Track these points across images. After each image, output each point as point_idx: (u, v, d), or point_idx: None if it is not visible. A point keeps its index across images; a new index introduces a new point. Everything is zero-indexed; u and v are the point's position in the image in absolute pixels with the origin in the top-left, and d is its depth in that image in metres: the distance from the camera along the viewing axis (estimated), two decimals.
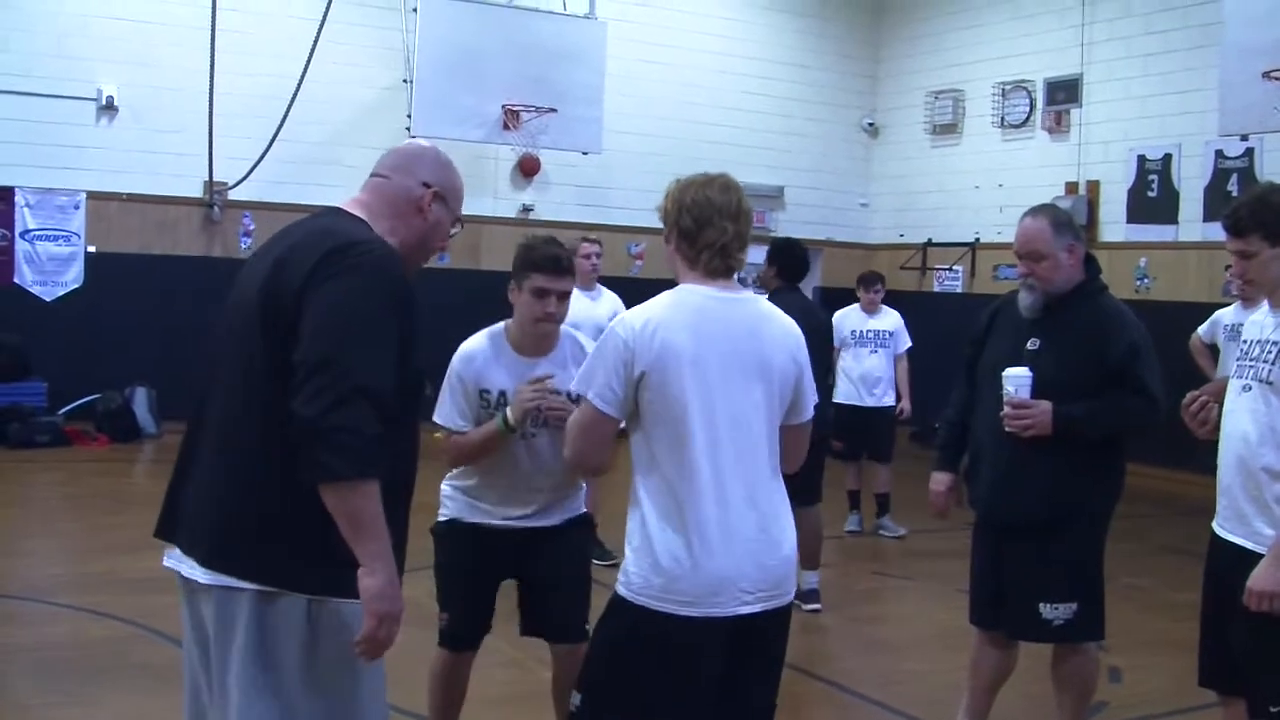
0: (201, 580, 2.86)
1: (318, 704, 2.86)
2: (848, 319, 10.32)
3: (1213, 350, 9.81)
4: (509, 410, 4.36)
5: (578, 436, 3.54)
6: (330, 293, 2.79)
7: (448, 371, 4.53)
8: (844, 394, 10.10)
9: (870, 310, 10.36)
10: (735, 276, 3.61)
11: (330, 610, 2.87)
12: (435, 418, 4.45)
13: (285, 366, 2.78)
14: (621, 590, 3.49)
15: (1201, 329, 10.00)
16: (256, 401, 2.86)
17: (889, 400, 10.26)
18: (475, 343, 4.57)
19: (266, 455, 2.82)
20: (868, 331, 10.28)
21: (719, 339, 3.48)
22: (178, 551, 2.97)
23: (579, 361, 4.25)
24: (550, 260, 4.41)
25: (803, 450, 3.76)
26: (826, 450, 7.92)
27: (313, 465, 2.70)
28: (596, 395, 3.45)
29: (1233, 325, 9.19)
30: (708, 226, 3.52)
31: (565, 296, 4.46)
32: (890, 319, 10.39)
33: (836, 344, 10.07)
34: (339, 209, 3.11)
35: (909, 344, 10.43)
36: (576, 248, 8.41)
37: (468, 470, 4.58)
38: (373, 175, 3.18)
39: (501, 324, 4.58)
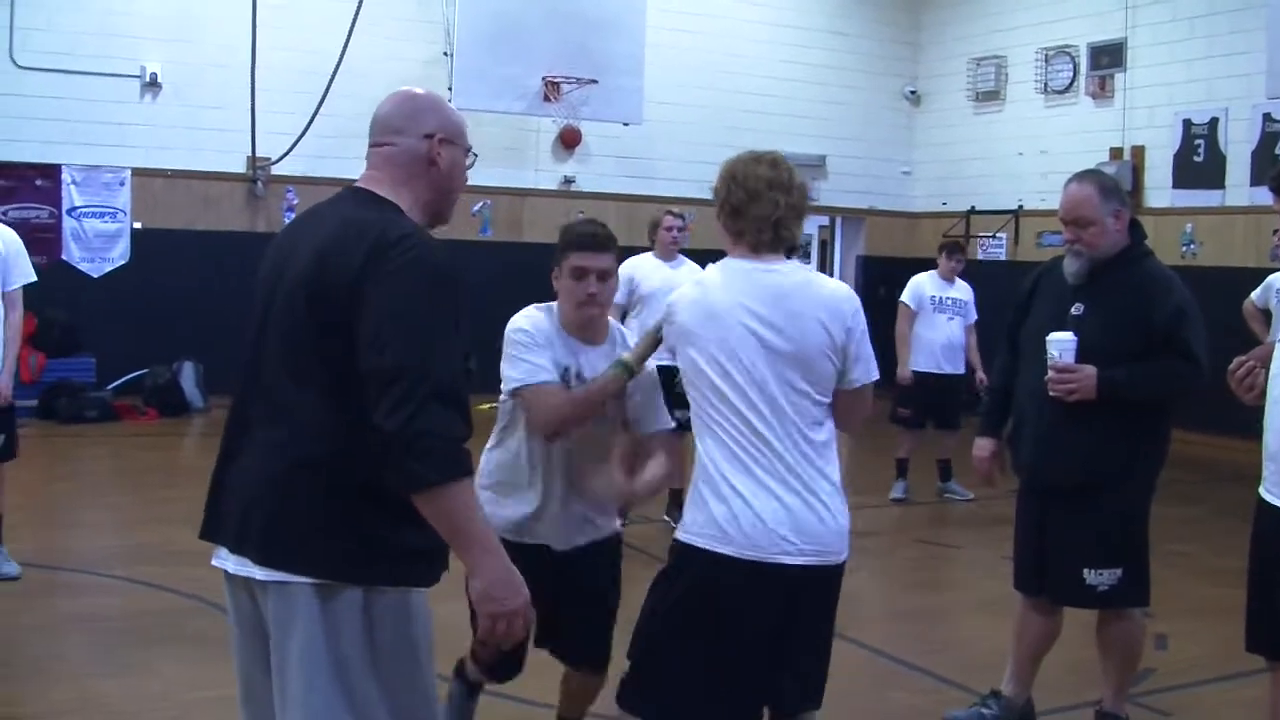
0: (258, 576, 2.86)
1: (379, 692, 2.86)
2: (927, 285, 10.27)
3: (1266, 315, 9.70)
4: (628, 353, 4.09)
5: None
6: (386, 298, 2.77)
7: (509, 336, 4.16)
8: (920, 361, 10.08)
9: (948, 278, 10.30)
10: (786, 249, 3.66)
11: (387, 600, 2.87)
12: (514, 378, 4.08)
13: (336, 360, 2.80)
14: (679, 535, 3.66)
15: (1255, 294, 9.88)
16: (306, 397, 2.86)
17: (962, 368, 10.26)
18: (536, 314, 4.23)
19: (316, 450, 2.83)
20: (946, 299, 10.22)
21: (756, 311, 3.55)
22: (224, 551, 2.97)
23: None
24: (586, 237, 4.14)
25: (859, 413, 3.79)
26: None
27: (402, 475, 2.71)
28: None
29: None
30: (757, 200, 3.60)
31: (605, 276, 4.13)
32: (964, 288, 10.34)
33: (914, 308, 10.12)
34: (362, 190, 3.07)
35: (975, 316, 10.40)
36: (660, 219, 8.61)
37: (495, 468, 4.24)
38: (375, 145, 3.12)
39: (553, 304, 4.26)
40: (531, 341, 4.10)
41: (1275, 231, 11.58)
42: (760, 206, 3.58)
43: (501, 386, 4.16)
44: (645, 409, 4.21)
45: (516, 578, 2.83)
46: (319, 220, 3.04)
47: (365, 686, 2.84)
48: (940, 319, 10.17)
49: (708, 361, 3.54)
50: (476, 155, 3.26)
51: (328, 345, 2.82)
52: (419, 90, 3.21)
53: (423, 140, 3.07)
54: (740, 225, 3.62)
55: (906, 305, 10.20)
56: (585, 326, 4.17)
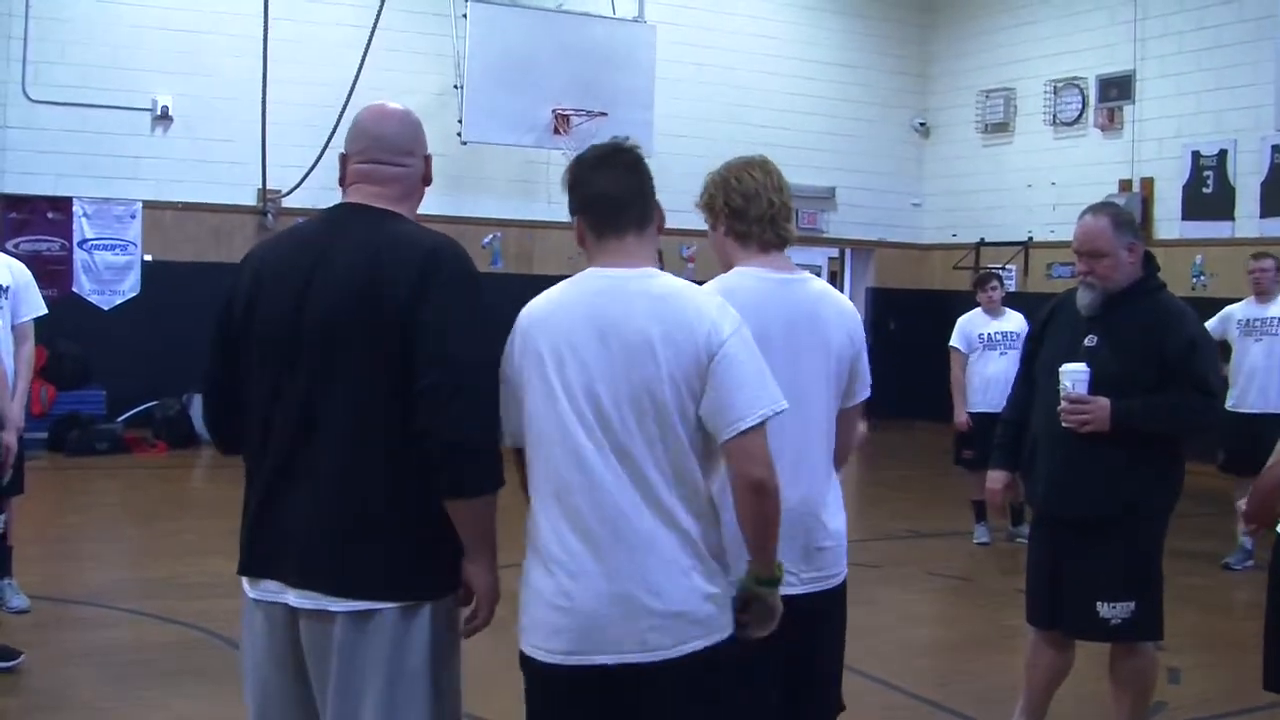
0: (332, 609, 2.88)
1: (445, 698, 3.00)
2: (973, 323, 9.94)
3: (1223, 347, 9.45)
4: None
5: None
6: (446, 311, 2.87)
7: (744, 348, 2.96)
8: (975, 401, 9.68)
9: (993, 311, 9.94)
10: (787, 251, 3.64)
11: (442, 605, 2.99)
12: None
13: (391, 384, 2.84)
14: None
15: (1211, 324, 9.57)
16: (374, 423, 2.89)
17: None
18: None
19: (390, 476, 2.89)
20: (996, 334, 9.82)
21: (779, 321, 3.48)
22: (273, 584, 2.96)
23: None
24: None
25: (855, 434, 3.77)
26: None
27: (456, 484, 2.84)
28: None
29: (1246, 320, 9.40)
30: (755, 200, 3.59)
31: None
32: (1016, 320, 9.84)
33: (965, 349, 9.84)
34: (373, 209, 3.06)
35: None
36: None
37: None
38: (380, 163, 3.10)
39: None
40: None
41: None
42: (759, 206, 3.58)
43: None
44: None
45: None
46: (336, 248, 2.98)
47: (439, 694, 2.97)
48: (992, 355, 9.72)
49: None
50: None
51: (384, 371, 2.86)
52: (404, 107, 3.27)
53: (423, 161, 3.20)
54: (746, 226, 3.59)
55: (957, 349, 9.88)
56: None
